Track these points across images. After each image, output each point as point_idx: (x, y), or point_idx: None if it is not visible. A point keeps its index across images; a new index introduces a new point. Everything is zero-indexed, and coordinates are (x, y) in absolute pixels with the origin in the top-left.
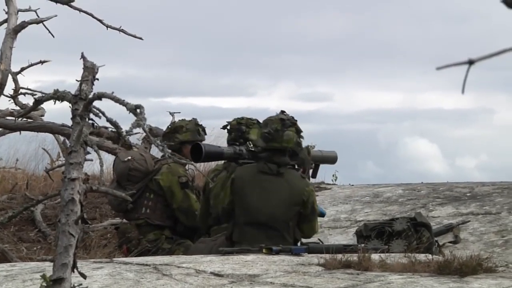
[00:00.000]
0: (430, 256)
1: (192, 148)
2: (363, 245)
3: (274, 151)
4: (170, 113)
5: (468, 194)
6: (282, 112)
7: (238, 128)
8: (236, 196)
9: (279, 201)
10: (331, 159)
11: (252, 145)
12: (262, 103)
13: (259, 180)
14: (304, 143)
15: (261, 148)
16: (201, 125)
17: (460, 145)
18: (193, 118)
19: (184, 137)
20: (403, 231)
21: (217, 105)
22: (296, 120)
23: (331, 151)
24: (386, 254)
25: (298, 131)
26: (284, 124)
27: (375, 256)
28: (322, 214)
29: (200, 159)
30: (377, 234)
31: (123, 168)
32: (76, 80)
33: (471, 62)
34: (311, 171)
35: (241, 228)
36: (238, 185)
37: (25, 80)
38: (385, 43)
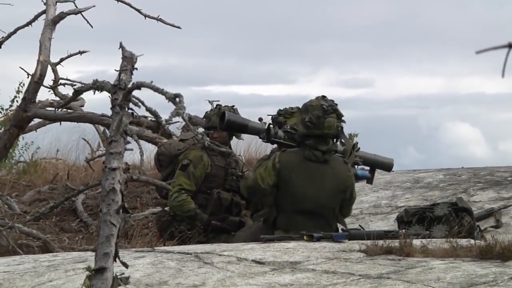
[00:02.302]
0: (472, 241)
1: (220, 117)
2: (404, 230)
3: (316, 137)
4: (209, 102)
5: (509, 178)
6: (323, 97)
7: (275, 119)
8: (282, 183)
9: (327, 189)
10: (384, 165)
11: (289, 127)
12: (302, 90)
13: (306, 167)
14: (346, 130)
15: (302, 134)
16: (220, 109)
17: (502, 129)
18: (218, 105)
19: (205, 125)
20: (444, 216)
21: (257, 93)
22: (337, 105)
23: (388, 158)
24: (428, 239)
25: (339, 116)
26: (325, 111)
27: (416, 242)
28: (367, 177)
29: (223, 126)
30: (418, 220)
31: (155, 154)
32: (115, 70)
33: (510, 46)
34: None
35: (289, 216)
36: (285, 172)
37: (66, 71)
38: (426, 28)
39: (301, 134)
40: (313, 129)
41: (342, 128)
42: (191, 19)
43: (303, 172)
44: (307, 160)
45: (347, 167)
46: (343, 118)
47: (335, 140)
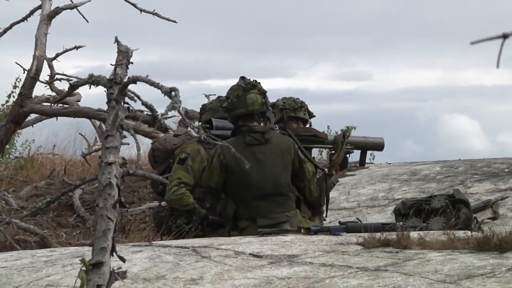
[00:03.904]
0: (469, 233)
1: (208, 123)
2: (401, 223)
3: (243, 118)
4: (206, 96)
5: (506, 170)
6: (242, 77)
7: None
8: (234, 175)
9: (277, 167)
10: (375, 146)
11: (278, 128)
12: (301, 84)
13: (252, 153)
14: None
15: (231, 120)
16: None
17: (501, 121)
18: (218, 96)
19: (206, 117)
20: (442, 208)
21: None
22: (259, 83)
23: (378, 137)
24: (425, 231)
25: (262, 92)
26: (244, 89)
27: (414, 234)
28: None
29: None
30: (415, 212)
31: (149, 150)
32: (111, 65)
33: (505, 36)
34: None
35: (248, 204)
36: (233, 164)
37: (64, 66)
38: (424, 21)
39: (230, 120)
40: (237, 108)
41: (267, 104)
42: (189, 14)
43: (250, 158)
44: (249, 146)
45: (286, 137)
46: (266, 94)
47: (263, 118)
